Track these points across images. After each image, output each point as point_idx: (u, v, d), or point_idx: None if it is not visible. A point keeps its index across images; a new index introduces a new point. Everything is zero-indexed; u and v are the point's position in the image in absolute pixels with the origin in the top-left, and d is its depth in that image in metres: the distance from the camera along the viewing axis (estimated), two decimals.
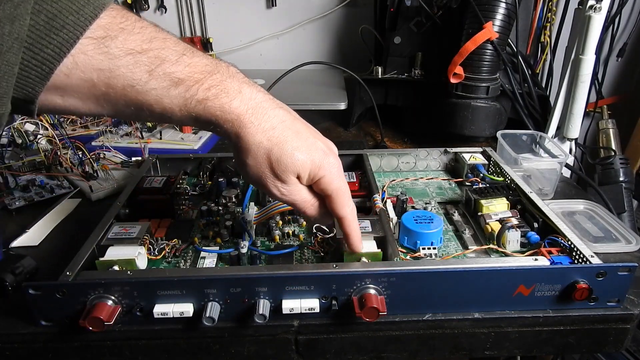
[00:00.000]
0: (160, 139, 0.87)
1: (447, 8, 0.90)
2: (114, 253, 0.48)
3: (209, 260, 0.52)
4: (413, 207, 0.62)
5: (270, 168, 0.41)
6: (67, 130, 0.86)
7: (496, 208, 0.58)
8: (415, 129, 0.99)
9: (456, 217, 0.61)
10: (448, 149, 0.74)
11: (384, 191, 0.62)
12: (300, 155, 0.41)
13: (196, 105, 0.38)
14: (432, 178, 0.72)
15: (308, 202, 0.44)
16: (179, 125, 0.89)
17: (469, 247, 0.54)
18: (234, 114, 0.39)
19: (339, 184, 0.43)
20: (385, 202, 0.59)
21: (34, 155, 0.76)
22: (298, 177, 0.42)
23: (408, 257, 0.52)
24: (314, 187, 0.44)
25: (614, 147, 1.07)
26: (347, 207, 0.45)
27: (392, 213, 0.57)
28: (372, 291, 0.44)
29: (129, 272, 0.45)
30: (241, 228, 0.55)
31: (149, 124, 0.89)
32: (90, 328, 0.41)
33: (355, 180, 0.63)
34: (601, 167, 1.00)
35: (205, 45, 1.23)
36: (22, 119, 0.80)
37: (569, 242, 0.50)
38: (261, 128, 0.40)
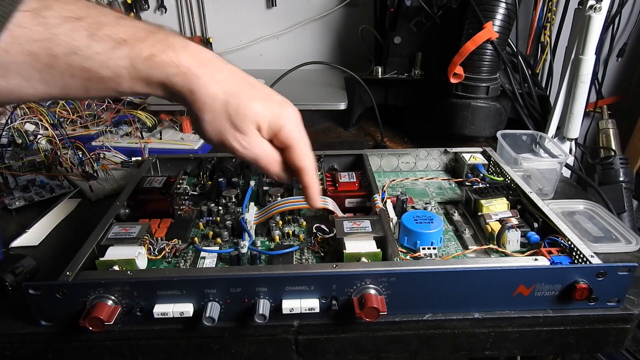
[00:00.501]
0: (160, 139, 0.87)
1: (447, 8, 0.90)
2: (114, 253, 0.48)
3: (209, 260, 0.52)
4: (413, 207, 0.62)
5: (229, 120, 0.40)
6: (67, 130, 0.86)
7: (496, 208, 0.58)
8: (415, 129, 0.99)
9: (456, 217, 0.61)
10: (448, 149, 0.74)
11: (384, 191, 0.62)
12: (258, 104, 0.40)
13: (143, 63, 0.37)
14: (432, 178, 0.72)
15: (271, 156, 0.43)
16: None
17: (469, 247, 0.54)
18: (184, 67, 0.38)
19: (300, 134, 0.43)
20: (385, 202, 0.59)
21: (34, 155, 0.76)
22: (259, 129, 0.41)
23: (408, 257, 0.52)
24: (275, 142, 0.43)
25: (614, 147, 1.07)
26: (308, 158, 0.44)
27: (392, 213, 0.57)
28: (372, 291, 0.44)
29: (129, 272, 0.45)
30: (241, 228, 0.55)
31: (149, 124, 0.89)
32: (90, 328, 0.41)
33: (355, 180, 0.63)
34: (601, 167, 1.00)
35: (205, 45, 1.23)
36: (22, 119, 0.80)
37: (569, 242, 0.50)
38: (215, 79, 0.39)
